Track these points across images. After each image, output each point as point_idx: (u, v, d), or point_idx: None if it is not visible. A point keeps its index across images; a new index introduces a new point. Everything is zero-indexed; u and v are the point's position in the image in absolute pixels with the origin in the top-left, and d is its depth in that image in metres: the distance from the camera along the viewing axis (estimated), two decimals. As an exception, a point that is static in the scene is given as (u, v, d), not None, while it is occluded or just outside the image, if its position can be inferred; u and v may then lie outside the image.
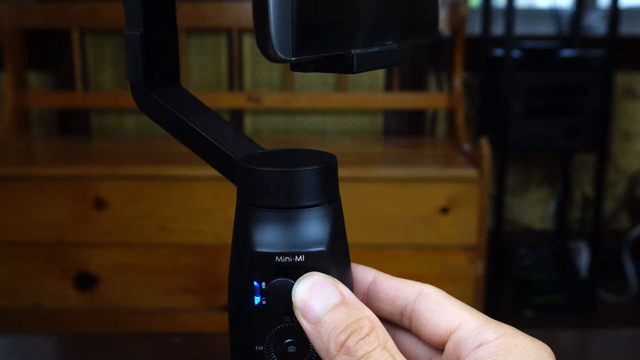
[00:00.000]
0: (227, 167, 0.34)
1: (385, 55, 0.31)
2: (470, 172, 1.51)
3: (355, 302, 0.30)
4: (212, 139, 0.34)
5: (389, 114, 1.99)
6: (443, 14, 1.85)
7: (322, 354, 0.29)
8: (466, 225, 1.50)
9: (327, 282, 0.30)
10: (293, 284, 0.31)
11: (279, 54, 0.23)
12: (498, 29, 2.01)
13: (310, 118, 1.97)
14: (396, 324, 0.35)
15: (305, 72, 0.31)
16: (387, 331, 0.33)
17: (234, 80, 1.90)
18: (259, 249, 0.31)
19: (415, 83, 1.97)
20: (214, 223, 1.50)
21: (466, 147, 1.71)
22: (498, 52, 1.96)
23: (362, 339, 0.29)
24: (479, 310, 0.33)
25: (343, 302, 0.30)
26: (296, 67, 0.32)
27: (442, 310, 0.33)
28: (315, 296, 0.30)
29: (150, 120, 0.36)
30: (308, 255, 0.31)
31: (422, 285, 0.34)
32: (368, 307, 0.32)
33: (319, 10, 0.25)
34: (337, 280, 0.31)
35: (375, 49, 0.30)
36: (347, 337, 0.29)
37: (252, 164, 0.32)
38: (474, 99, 2.15)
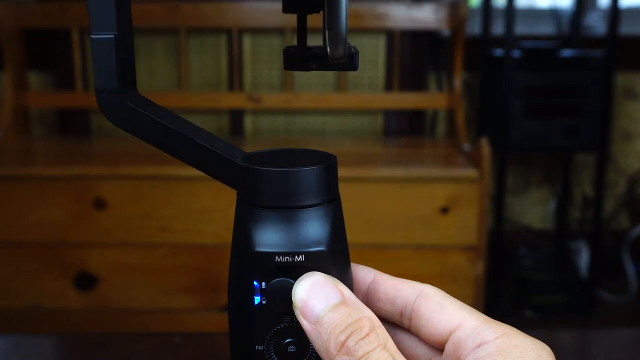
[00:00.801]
0: (225, 171, 0.33)
1: (357, 55, 0.34)
2: (470, 172, 1.51)
3: (355, 302, 0.30)
4: (207, 145, 0.33)
5: (389, 114, 1.99)
6: (443, 14, 1.85)
7: (322, 354, 0.29)
8: (466, 225, 1.50)
9: (327, 282, 0.30)
10: (293, 283, 0.31)
11: (344, 53, 0.29)
12: (498, 29, 2.01)
13: (310, 118, 1.97)
14: (396, 324, 0.35)
15: (308, 70, 0.32)
16: (387, 331, 0.33)
17: (234, 80, 1.90)
18: (259, 249, 0.31)
19: (415, 83, 1.97)
20: (214, 223, 1.50)
21: (466, 147, 1.71)
22: (498, 52, 1.96)
23: (362, 339, 0.29)
24: (479, 310, 0.33)
25: (343, 302, 0.30)
26: (298, 66, 0.32)
27: (442, 310, 0.33)
28: (315, 296, 0.30)
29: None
30: (308, 255, 0.31)
31: (422, 285, 0.34)
32: (368, 307, 0.32)
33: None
34: (337, 280, 0.31)
35: (352, 49, 0.33)
36: (347, 337, 0.29)
37: (253, 164, 0.32)
38: (474, 99, 2.15)
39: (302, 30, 0.36)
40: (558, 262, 2.19)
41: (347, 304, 0.30)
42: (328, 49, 0.27)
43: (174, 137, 0.33)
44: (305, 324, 0.30)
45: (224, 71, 1.93)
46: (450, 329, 0.32)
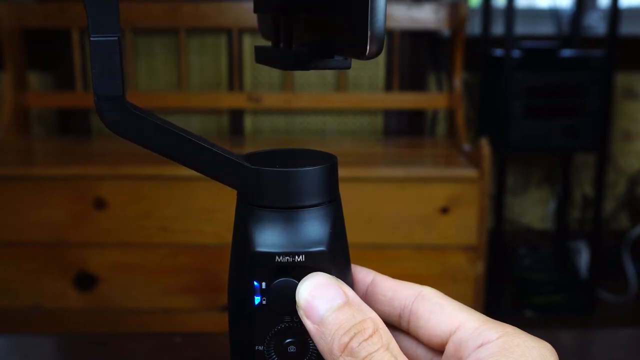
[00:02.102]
0: (233, 173, 0.32)
1: None
2: (470, 172, 1.51)
3: (359, 303, 0.30)
4: (214, 148, 0.32)
5: (389, 114, 1.99)
6: (443, 14, 1.85)
7: (325, 354, 0.29)
8: (466, 225, 1.50)
9: (332, 282, 0.30)
10: (296, 284, 0.31)
11: (379, 51, 0.28)
12: (498, 29, 2.01)
13: (310, 118, 1.97)
14: (395, 325, 0.35)
15: (307, 70, 0.32)
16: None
17: (234, 80, 1.90)
18: (259, 249, 0.31)
19: (415, 83, 1.97)
20: (214, 223, 1.50)
21: (466, 147, 1.71)
22: (498, 52, 1.96)
23: (365, 340, 0.29)
24: (479, 310, 0.33)
25: (347, 303, 0.30)
26: (297, 66, 0.32)
27: (441, 312, 0.33)
28: (319, 297, 0.30)
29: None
30: (308, 255, 0.31)
31: (421, 287, 0.34)
32: None
33: None
34: (341, 281, 0.31)
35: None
36: (351, 339, 0.29)
37: (253, 164, 0.32)
38: (474, 99, 2.15)
39: (287, 30, 0.35)
40: (558, 262, 2.19)
41: (351, 305, 0.30)
42: (367, 46, 0.27)
43: (180, 143, 0.31)
44: (308, 324, 0.30)
45: (224, 71, 1.93)
46: (450, 330, 0.32)
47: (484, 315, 0.32)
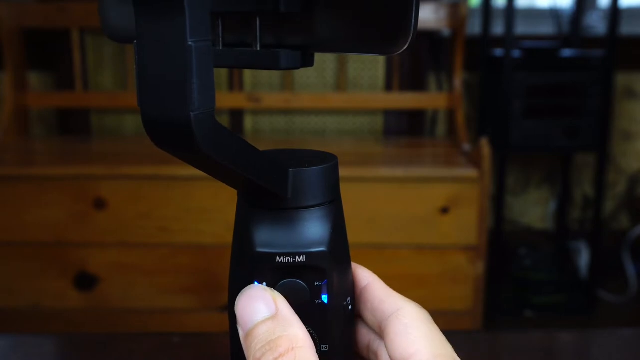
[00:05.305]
0: (276, 178, 0.30)
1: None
2: (470, 172, 1.51)
3: (285, 319, 0.30)
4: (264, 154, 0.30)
5: (389, 114, 1.99)
6: (443, 14, 1.85)
7: None
8: (466, 225, 1.50)
9: (264, 295, 0.30)
10: (298, 284, 0.31)
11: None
12: (498, 29, 2.01)
13: (310, 118, 1.97)
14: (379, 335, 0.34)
15: (297, 69, 0.31)
16: (374, 340, 0.33)
17: (234, 80, 1.90)
18: (260, 249, 0.31)
19: (415, 83, 1.97)
20: (213, 223, 1.50)
21: (466, 147, 1.71)
22: (498, 52, 1.96)
23: (276, 358, 0.29)
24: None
25: (272, 317, 0.30)
26: (288, 66, 0.31)
27: (405, 335, 0.32)
28: (250, 308, 0.30)
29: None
30: (309, 255, 0.31)
31: (403, 304, 0.33)
32: (359, 312, 0.31)
33: None
34: (278, 294, 0.30)
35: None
36: (263, 355, 0.29)
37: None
38: (474, 99, 2.15)
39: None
40: (558, 262, 2.19)
41: (276, 320, 0.30)
42: (409, 39, 0.26)
43: (255, 157, 0.29)
44: (240, 333, 0.30)
45: (224, 71, 1.93)
46: (405, 358, 0.31)
47: (446, 349, 0.31)
